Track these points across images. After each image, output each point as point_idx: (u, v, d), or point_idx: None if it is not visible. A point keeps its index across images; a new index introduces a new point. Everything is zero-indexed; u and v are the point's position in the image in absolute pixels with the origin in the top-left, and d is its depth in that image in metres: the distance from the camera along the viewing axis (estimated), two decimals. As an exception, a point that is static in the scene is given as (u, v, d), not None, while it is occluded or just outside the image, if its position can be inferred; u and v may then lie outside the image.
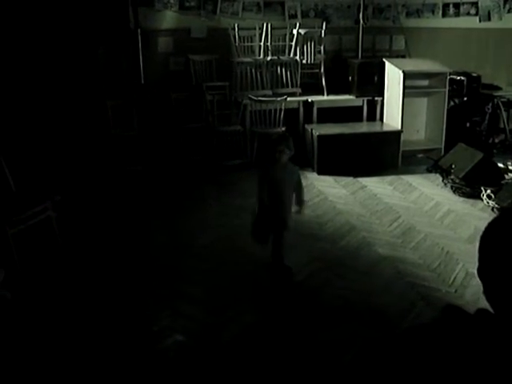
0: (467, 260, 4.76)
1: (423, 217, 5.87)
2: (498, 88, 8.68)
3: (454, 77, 8.24)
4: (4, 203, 4.89)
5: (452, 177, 6.74)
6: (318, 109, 8.00)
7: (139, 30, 8.08)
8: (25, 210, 4.76)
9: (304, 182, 6.92)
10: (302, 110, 8.00)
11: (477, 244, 4.14)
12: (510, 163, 7.20)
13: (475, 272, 3.99)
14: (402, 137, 7.60)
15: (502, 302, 1.17)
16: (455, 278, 4.49)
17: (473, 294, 4.19)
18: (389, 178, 7.17)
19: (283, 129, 7.33)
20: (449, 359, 1.14)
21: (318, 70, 8.32)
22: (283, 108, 7.53)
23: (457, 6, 9.15)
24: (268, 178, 4.37)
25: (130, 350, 3.64)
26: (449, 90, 7.88)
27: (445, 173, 6.96)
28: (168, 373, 3.40)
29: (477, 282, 3.90)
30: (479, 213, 5.95)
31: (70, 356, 3.58)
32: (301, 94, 8.17)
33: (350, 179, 7.14)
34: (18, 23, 7.12)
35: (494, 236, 1.24)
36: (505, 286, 1.16)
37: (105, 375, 3.39)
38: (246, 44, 8.24)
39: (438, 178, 7.08)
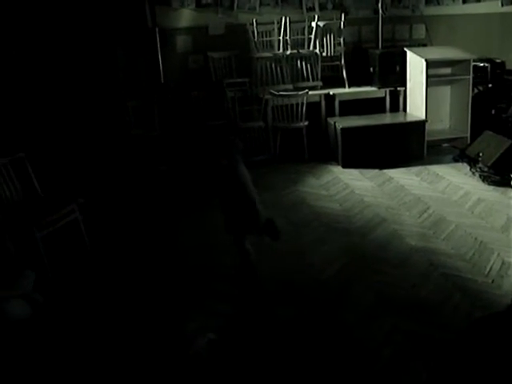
0: (502, 249, 4.66)
1: (453, 207, 5.77)
2: (523, 73, 8.52)
3: (478, 63, 8.10)
4: (32, 207, 4.91)
5: (480, 165, 6.61)
6: (340, 101, 7.91)
7: (157, 29, 8.06)
8: (52, 212, 4.76)
9: (329, 176, 6.94)
10: (323, 103, 7.91)
11: (511, 233, 4.03)
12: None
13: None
14: (427, 126, 7.48)
15: None
16: (491, 267, 4.39)
17: (511, 283, 4.09)
18: (415, 169, 7.07)
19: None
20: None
21: (338, 63, 8.23)
22: (305, 102, 7.46)
23: (478, -9, 9.00)
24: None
25: (163, 350, 3.60)
26: (473, 77, 7.72)
27: (472, 161, 6.83)
28: (202, 372, 3.36)
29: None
30: (510, 201, 5.82)
31: (102, 358, 3.56)
32: (322, 88, 8.08)
33: (375, 171, 7.05)
34: (36, 27, 7.12)
35: None
36: None
37: (138, 376, 3.36)
38: (264, 39, 8.19)
39: (465, 167, 6.95)
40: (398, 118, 7.91)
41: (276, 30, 8.07)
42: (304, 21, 8.27)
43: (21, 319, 3.93)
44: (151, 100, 7.57)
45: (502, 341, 1.11)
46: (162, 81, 8.19)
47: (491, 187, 6.27)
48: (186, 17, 8.33)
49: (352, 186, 6.56)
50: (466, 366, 1.16)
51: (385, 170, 7.06)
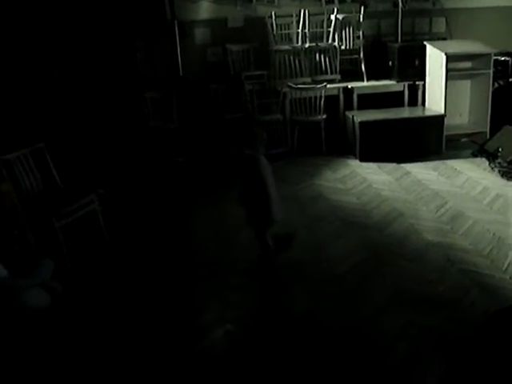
0: (521, 245, 4.64)
1: (471, 202, 5.73)
2: (544, 68, 8.40)
3: (498, 57, 8.01)
4: (51, 197, 4.96)
5: (499, 160, 6.56)
6: (359, 95, 7.88)
7: (176, 22, 8.07)
8: (71, 203, 4.81)
9: (347, 170, 6.93)
10: (342, 96, 7.89)
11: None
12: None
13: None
14: (446, 121, 7.42)
15: None
16: (509, 263, 4.36)
17: (529, 280, 4.08)
18: (433, 164, 7.03)
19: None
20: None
21: (357, 56, 8.18)
22: (323, 95, 7.44)
23: (500, -17, 8.88)
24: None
25: (180, 342, 3.64)
26: (493, 72, 7.64)
27: (491, 157, 6.77)
28: (220, 364, 3.39)
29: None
30: (530, 197, 5.78)
31: (120, 348, 3.60)
32: (340, 81, 8.05)
33: (393, 165, 7.02)
34: (59, 19, 7.17)
35: None
36: None
37: (155, 367, 3.40)
38: (283, 32, 8.15)
39: (484, 162, 6.89)
40: (417, 112, 7.85)
41: (295, 23, 8.03)
42: (323, 14, 8.20)
43: (40, 308, 3.98)
44: (169, 92, 7.59)
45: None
46: (181, 73, 8.20)
47: (510, 182, 6.22)
48: (204, 9, 8.32)
49: (369, 180, 6.54)
50: (483, 359, 1.16)
51: (402, 164, 7.03)
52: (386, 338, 3.52)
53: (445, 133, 7.43)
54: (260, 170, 4.12)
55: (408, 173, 6.74)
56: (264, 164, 4.16)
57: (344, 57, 8.24)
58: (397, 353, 3.37)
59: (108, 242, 5.15)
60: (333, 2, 8.58)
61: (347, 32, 8.01)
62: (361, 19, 8.00)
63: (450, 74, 7.43)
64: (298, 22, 7.97)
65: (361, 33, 8.07)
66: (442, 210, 5.56)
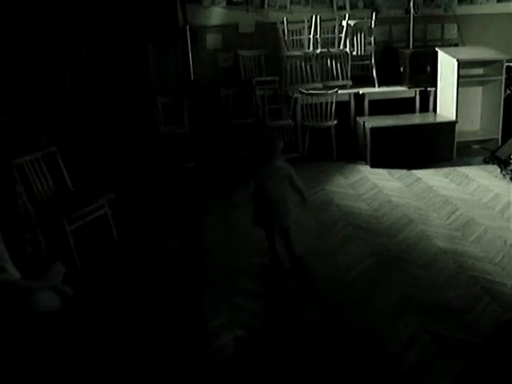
0: (532, 253, 4.61)
1: (482, 209, 5.70)
2: (557, 75, 8.36)
3: (510, 64, 7.97)
4: (62, 201, 4.99)
5: (511, 167, 6.53)
6: (370, 101, 7.87)
7: (188, 27, 8.10)
8: (82, 207, 4.84)
9: (357, 176, 6.92)
10: (353, 102, 7.89)
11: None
12: None
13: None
14: (457, 127, 7.40)
15: None
16: (521, 271, 4.35)
17: (540, 288, 4.05)
18: (444, 170, 7.00)
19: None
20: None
21: (368, 62, 8.18)
22: (334, 101, 7.44)
23: (513, -11, 8.86)
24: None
25: (188, 346, 3.64)
26: (505, 78, 7.62)
27: (503, 164, 6.75)
28: (227, 369, 3.39)
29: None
30: (541, 204, 5.75)
31: (129, 353, 3.61)
32: (351, 87, 8.05)
33: (404, 172, 7.01)
34: (72, 24, 7.24)
35: None
36: None
37: (163, 371, 3.41)
38: (294, 37, 8.16)
39: (495, 169, 6.86)
40: (428, 119, 7.83)
41: (306, 29, 8.05)
42: (334, 19, 8.22)
43: (50, 311, 4.00)
44: (181, 97, 7.62)
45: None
46: (192, 78, 8.23)
47: (522, 190, 6.20)
48: (216, 15, 8.36)
49: (380, 186, 6.53)
50: (494, 369, 1.16)
51: (413, 171, 7.01)
52: (395, 346, 3.51)
53: (456, 139, 7.40)
54: (265, 177, 4.18)
55: (419, 179, 6.72)
56: (275, 171, 4.23)
57: (355, 63, 8.25)
58: (406, 360, 3.36)
59: (118, 246, 5.17)
60: (344, 7, 8.61)
61: (359, 38, 8.01)
62: (372, 25, 8.00)
63: (462, 81, 7.41)
64: (310, 27, 7.99)
65: (372, 39, 8.08)
66: (453, 216, 5.54)
